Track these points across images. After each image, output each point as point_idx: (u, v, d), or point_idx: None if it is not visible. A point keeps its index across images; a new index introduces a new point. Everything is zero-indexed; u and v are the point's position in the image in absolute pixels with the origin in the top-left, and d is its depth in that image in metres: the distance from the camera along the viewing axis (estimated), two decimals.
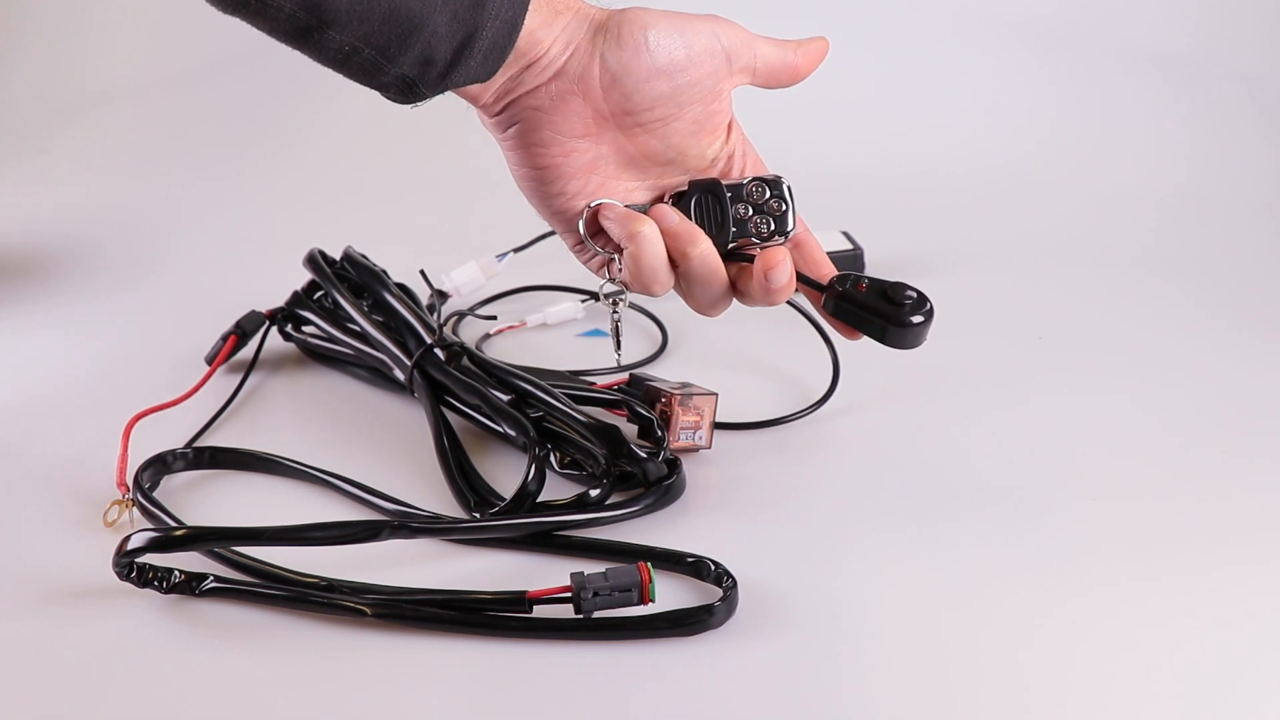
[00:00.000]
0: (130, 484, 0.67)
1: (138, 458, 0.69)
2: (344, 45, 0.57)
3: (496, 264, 0.93)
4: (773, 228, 0.63)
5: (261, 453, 0.71)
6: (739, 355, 0.86)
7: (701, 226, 0.63)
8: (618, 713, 0.55)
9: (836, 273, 0.64)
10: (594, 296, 0.93)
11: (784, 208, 0.63)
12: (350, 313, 0.80)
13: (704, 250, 0.62)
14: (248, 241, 1.10)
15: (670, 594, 0.60)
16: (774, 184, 0.64)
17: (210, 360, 0.81)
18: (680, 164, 0.64)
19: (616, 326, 0.68)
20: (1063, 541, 0.65)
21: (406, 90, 0.60)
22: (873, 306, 0.61)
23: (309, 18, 0.56)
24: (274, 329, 0.84)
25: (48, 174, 1.27)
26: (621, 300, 0.66)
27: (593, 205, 0.63)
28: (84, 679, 0.56)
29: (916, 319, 0.61)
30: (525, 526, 0.65)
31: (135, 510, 0.67)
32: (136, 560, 0.59)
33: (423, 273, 0.91)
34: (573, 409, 0.69)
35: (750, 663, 0.57)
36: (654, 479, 0.68)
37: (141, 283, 1.01)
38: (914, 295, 0.61)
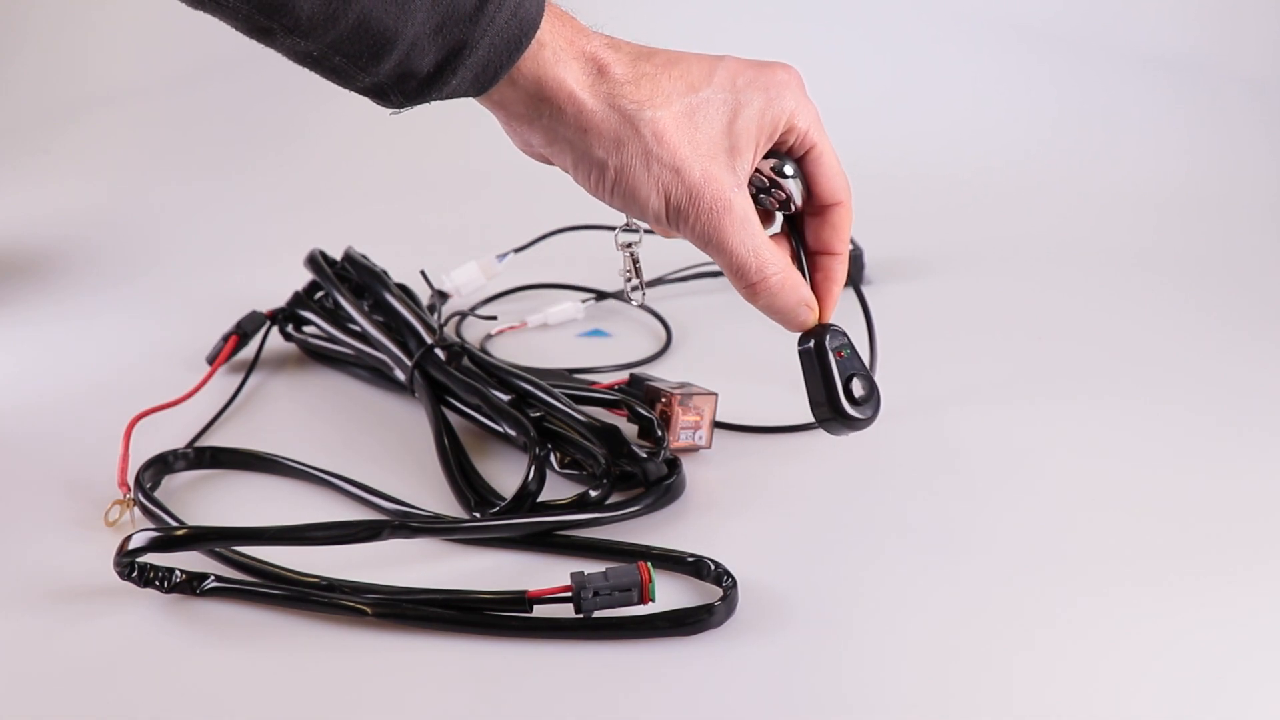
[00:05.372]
0: (131, 484, 0.67)
1: (139, 457, 0.69)
2: (310, 50, 0.54)
3: (497, 264, 0.93)
4: (776, 208, 0.62)
5: (262, 453, 0.71)
6: (744, 355, 0.86)
7: None
8: (618, 713, 0.55)
9: (829, 320, 0.62)
10: (596, 295, 0.93)
11: (785, 195, 0.61)
12: (351, 313, 0.80)
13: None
14: (248, 241, 1.10)
15: (670, 594, 0.60)
16: (777, 171, 0.61)
17: (211, 360, 0.81)
18: None
19: (636, 265, 0.64)
20: (1063, 543, 0.65)
21: (382, 97, 0.56)
22: (828, 379, 0.60)
23: (267, 21, 0.53)
24: (275, 329, 0.84)
25: (49, 174, 1.27)
26: (637, 247, 0.64)
27: None
28: (85, 679, 0.56)
29: (845, 421, 0.60)
30: (525, 526, 0.65)
31: (136, 510, 0.67)
32: (138, 560, 0.59)
33: (423, 273, 0.91)
34: (573, 409, 0.69)
35: (750, 662, 0.57)
36: (654, 479, 0.68)
37: (142, 283, 1.01)
38: (865, 397, 0.61)
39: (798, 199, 0.61)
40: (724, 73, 0.58)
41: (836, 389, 0.60)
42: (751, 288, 0.60)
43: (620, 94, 0.56)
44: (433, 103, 0.57)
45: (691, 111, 0.57)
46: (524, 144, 0.60)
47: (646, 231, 0.64)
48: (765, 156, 0.60)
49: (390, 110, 0.58)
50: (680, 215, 0.58)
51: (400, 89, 0.56)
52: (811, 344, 0.61)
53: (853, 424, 0.61)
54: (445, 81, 0.55)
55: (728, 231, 0.58)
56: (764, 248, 0.59)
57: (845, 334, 0.61)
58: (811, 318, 0.61)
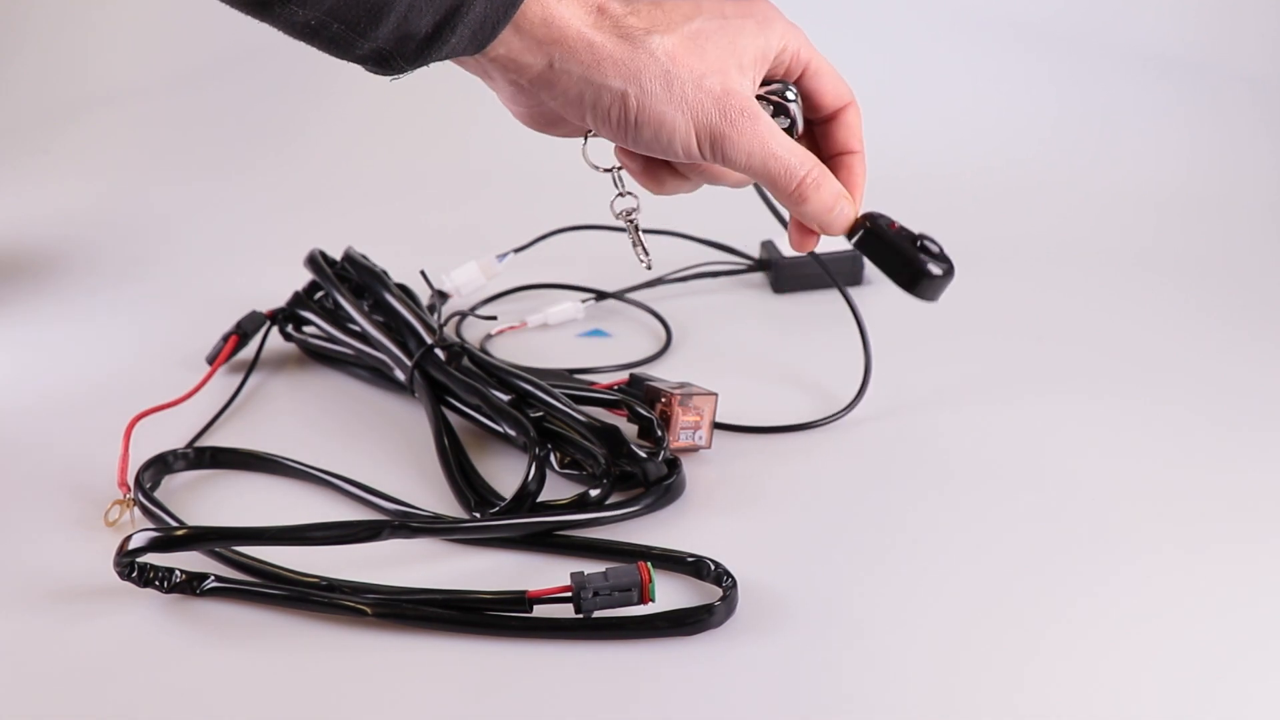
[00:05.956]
0: (131, 484, 0.68)
1: (139, 458, 0.69)
2: (308, 19, 0.54)
3: (497, 264, 0.93)
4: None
5: (262, 453, 0.71)
6: (744, 355, 0.86)
7: None
8: (618, 713, 0.55)
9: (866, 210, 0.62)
10: (596, 295, 0.93)
11: (790, 119, 0.61)
12: (351, 313, 0.80)
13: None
14: (249, 241, 1.10)
15: (670, 594, 0.60)
16: (779, 94, 0.61)
17: (211, 360, 0.81)
18: None
19: (638, 234, 0.64)
20: (1064, 544, 0.65)
21: (382, 63, 0.56)
22: (900, 248, 0.60)
23: None
24: (275, 329, 0.84)
25: (49, 174, 1.27)
26: (637, 213, 0.63)
27: None
28: (85, 679, 0.56)
29: (935, 272, 0.60)
30: (525, 526, 0.65)
31: (136, 510, 0.67)
32: (138, 560, 0.59)
33: (423, 273, 0.91)
34: (573, 409, 0.69)
35: (750, 663, 0.57)
36: (654, 479, 0.68)
37: (142, 283, 1.01)
38: (940, 251, 0.61)
39: (800, 123, 0.61)
40: (709, 6, 0.59)
41: (915, 253, 0.60)
42: (799, 188, 0.59)
43: (624, 24, 0.57)
44: (431, 65, 0.57)
45: (694, 35, 0.58)
46: (530, 107, 0.60)
47: (643, 231, 0.64)
48: (762, 84, 0.60)
49: (390, 77, 0.57)
50: (711, 133, 0.57)
51: (400, 53, 0.55)
52: (866, 227, 0.61)
53: (945, 278, 0.60)
54: (445, 40, 0.55)
55: (764, 137, 0.58)
56: (796, 147, 0.59)
57: (883, 215, 0.61)
58: (851, 209, 0.61)
